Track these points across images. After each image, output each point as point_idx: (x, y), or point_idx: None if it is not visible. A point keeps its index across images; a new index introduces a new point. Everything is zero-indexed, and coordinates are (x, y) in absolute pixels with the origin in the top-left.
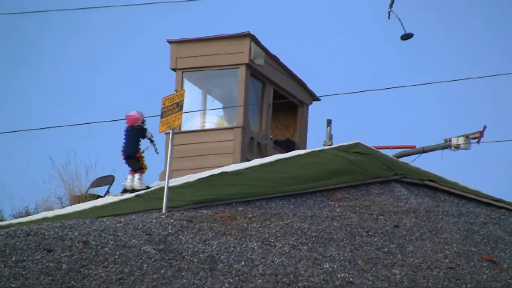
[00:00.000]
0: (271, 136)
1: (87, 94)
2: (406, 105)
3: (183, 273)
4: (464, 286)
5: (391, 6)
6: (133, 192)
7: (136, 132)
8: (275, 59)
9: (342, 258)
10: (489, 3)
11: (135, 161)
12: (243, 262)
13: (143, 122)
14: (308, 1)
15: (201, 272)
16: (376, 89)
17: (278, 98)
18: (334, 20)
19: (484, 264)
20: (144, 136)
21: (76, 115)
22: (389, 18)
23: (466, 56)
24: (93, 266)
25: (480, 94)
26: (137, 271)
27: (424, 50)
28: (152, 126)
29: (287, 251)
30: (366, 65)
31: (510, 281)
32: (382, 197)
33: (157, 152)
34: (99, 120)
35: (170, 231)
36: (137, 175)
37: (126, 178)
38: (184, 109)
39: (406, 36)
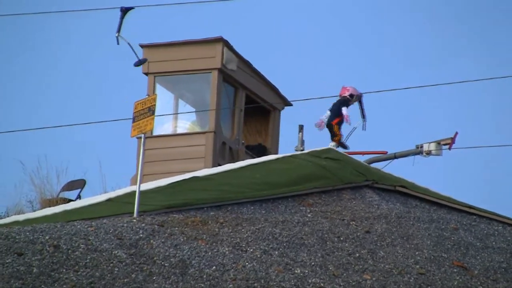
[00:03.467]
0: (243, 141)
1: (59, 97)
2: (378, 111)
3: (154, 278)
4: None
5: (119, 31)
6: None
7: (339, 102)
8: (247, 64)
9: (313, 263)
10: (458, 6)
11: (331, 129)
12: (214, 267)
13: (351, 96)
14: (281, 6)
15: (172, 276)
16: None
17: (250, 103)
18: (307, 24)
19: (455, 270)
20: (346, 105)
21: (47, 119)
22: (118, 43)
23: (439, 61)
24: (64, 270)
25: (452, 100)
26: (108, 275)
27: (396, 54)
28: (127, 130)
29: (259, 256)
30: (338, 71)
31: (481, 287)
32: (354, 202)
33: (363, 128)
34: (71, 123)
35: (141, 235)
36: (331, 143)
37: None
38: (156, 114)
39: (139, 63)
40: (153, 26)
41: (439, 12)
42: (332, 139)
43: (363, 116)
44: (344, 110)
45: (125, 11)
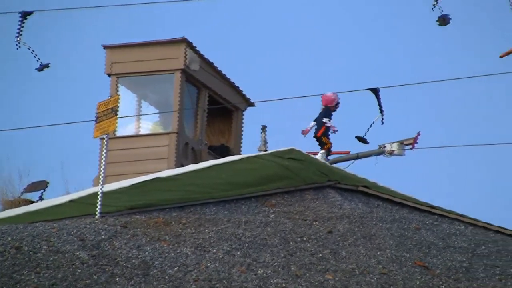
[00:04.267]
0: (206, 142)
1: (23, 99)
2: (341, 111)
3: (117, 279)
4: None
5: (19, 35)
6: None
7: (322, 112)
8: (210, 64)
9: (276, 263)
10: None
11: (319, 141)
12: (176, 268)
13: (337, 104)
14: (243, 6)
15: (134, 277)
16: (310, 95)
17: (213, 103)
18: (270, 24)
19: (417, 270)
20: (329, 115)
21: (11, 121)
22: (19, 48)
23: (401, 61)
24: (26, 272)
25: (415, 100)
26: (70, 276)
27: (358, 55)
28: (90, 131)
29: (221, 256)
30: (300, 71)
31: (442, 286)
32: (316, 203)
33: (382, 123)
34: (35, 125)
35: (103, 236)
36: (321, 151)
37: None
38: (119, 115)
39: (42, 67)
40: (116, 27)
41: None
42: (322, 148)
43: (381, 110)
44: (326, 121)
45: (25, 15)
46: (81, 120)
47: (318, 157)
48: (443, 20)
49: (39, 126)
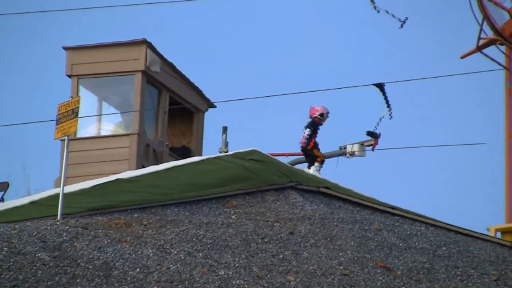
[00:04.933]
0: (167, 143)
1: None
2: (301, 112)
3: (78, 280)
4: None
5: None
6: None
7: (309, 123)
8: (171, 65)
9: (237, 265)
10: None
11: (310, 153)
12: (138, 269)
13: (321, 115)
14: (203, 6)
15: (96, 279)
16: (270, 96)
17: (174, 104)
18: (231, 25)
19: (378, 270)
20: (313, 127)
21: None
22: None
23: (360, 61)
24: None
25: (374, 101)
26: (32, 278)
27: (315, 55)
28: (51, 132)
29: (183, 257)
30: (262, 71)
31: (404, 287)
32: (278, 204)
33: (390, 118)
34: None
35: (65, 238)
36: (314, 165)
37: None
38: (80, 116)
39: None
40: (78, 28)
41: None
42: (316, 161)
43: (388, 105)
44: (305, 132)
45: None
46: (42, 120)
47: (311, 171)
48: (403, 23)
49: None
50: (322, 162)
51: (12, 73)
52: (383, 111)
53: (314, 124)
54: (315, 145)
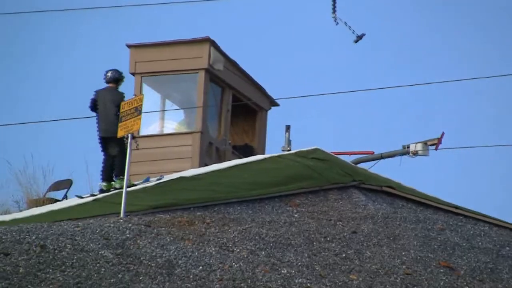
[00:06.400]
0: (230, 141)
1: (48, 96)
2: (365, 111)
3: (141, 278)
4: None
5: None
6: None
7: None
8: (234, 64)
9: (300, 263)
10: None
11: None
12: (200, 267)
13: None
14: (266, 6)
15: (158, 276)
16: (332, 93)
17: (237, 103)
18: (295, 24)
19: (441, 270)
20: None
21: (36, 117)
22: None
23: (424, 61)
24: (51, 270)
25: (439, 100)
26: (95, 275)
27: (381, 54)
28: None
29: (245, 256)
30: (325, 71)
31: (467, 287)
32: (340, 203)
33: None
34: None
35: (128, 235)
36: None
37: None
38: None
39: (359, 38)
40: (141, 27)
41: (435, 11)
42: None
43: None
44: None
45: None
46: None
47: None
48: (358, 38)
49: (59, 120)
50: None
51: (76, 72)
52: (446, 110)
53: None
54: None
